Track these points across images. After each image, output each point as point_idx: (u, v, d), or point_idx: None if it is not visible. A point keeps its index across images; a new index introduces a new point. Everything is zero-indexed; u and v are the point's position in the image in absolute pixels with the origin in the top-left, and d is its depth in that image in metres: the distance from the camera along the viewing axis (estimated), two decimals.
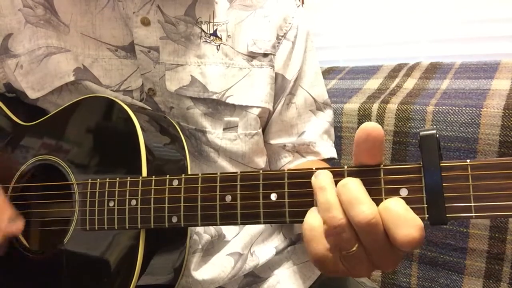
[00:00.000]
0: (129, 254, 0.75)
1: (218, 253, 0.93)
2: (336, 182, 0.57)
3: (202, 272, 0.89)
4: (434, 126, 1.25)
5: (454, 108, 1.23)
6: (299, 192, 0.61)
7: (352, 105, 1.40)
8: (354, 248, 0.56)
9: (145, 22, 0.89)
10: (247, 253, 0.94)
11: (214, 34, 0.94)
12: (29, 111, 0.95)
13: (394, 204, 0.54)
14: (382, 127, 1.31)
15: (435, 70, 1.52)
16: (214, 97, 0.91)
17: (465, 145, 1.22)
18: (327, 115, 1.07)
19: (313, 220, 0.58)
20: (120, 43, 0.90)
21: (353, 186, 0.55)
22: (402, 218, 0.53)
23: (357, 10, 1.98)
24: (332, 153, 1.06)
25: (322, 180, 0.58)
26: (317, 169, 0.60)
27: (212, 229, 0.89)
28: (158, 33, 0.90)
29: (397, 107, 1.31)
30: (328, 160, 1.06)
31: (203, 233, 0.88)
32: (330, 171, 0.59)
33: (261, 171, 0.64)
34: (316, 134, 1.04)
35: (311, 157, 1.04)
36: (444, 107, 1.25)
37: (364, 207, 0.54)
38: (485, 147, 1.19)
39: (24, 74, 0.90)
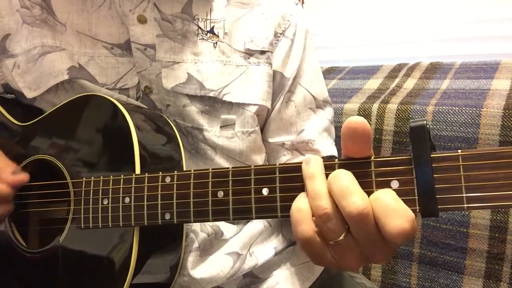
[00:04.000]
0: (124, 252, 0.74)
1: (216, 252, 0.92)
2: (327, 176, 0.57)
3: (200, 270, 0.88)
4: (434, 126, 1.25)
5: (454, 108, 1.23)
6: (290, 186, 0.61)
7: (352, 105, 1.40)
8: (341, 238, 0.56)
9: (142, 20, 0.89)
10: (246, 253, 0.94)
11: (211, 31, 0.94)
12: (27, 112, 0.95)
13: (384, 195, 0.54)
14: (382, 127, 1.31)
15: (435, 70, 1.51)
16: (211, 94, 0.91)
17: (465, 145, 1.21)
18: (327, 113, 1.06)
19: (301, 203, 0.58)
20: (116, 41, 0.90)
21: (344, 177, 0.55)
22: (392, 209, 0.53)
23: (357, 10, 1.98)
24: (332, 151, 1.05)
25: (312, 167, 0.58)
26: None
27: (208, 227, 0.89)
28: (154, 30, 0.90)
29: (397, 107, 1.31)
30: (328, 158, 1.05)
31: (199, 231, 0.88)
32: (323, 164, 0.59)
33: (253, 166, 0.64)
34: (315, 132, 1.03)
35: (310, 155, 1.03)
36: (444, 107, 1.24)
37: (355, 197, 0.53)
38: (485, 147, 1.18)
39: (21, 74, 0.90)
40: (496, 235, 1.19)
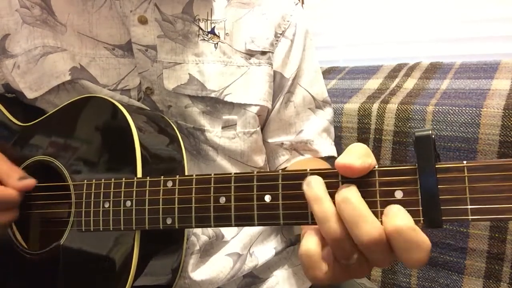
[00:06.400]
0: (125, 255, 0.74)
1: (217, 253, 0.92)
2: (331, 184, 0.57)
3: (200, 273, 0.88)
4: (434, 126, 1.25)
5: (454, 108, 1.23)
6: (293, 194, 0.60)
7: (352, 105, 1.39)
8: (354, 258, 0.56)
9: (142, 21, 0.89)
10: (246, 254, 0.94)
11: (212, 32, 0.93)
12: (28, 112, 0.95)
13: (404, 225, 0.52)
14: (382, 127, 1.31)
15: (435, 70, 1.51)
16: (213, 95, 0.91)
17: (465, 145, 1.21)
18: (327, 113, 1.06)
19: (310, 245, 0.57)
20: (117, 42, 0.90)
21: (355, 202, 0.54)
22: (414, 243, 0.51)
23: (357, 9, 1.98)
24: (331, 151, 1.05)
25: (315, 189, 0.56)
26: (310, 170, 0.59)
27: (209, 230, 0.89)
28: (155, 31, 0.90)
29: (397, 107, 1.31)
30: (328, 159, 1.05)
31: (200, 234, 0.88)
32: (324, 172, 0.58)
33: (255, 172, 0.63)
34: (314, 132, 1.03)
35: (309, 155, 1.04)
36: (444, 107, 1.24)
37: (368, 226, 0.52)
38: (485, 147, 1.18)
39: (21, 74, 0.90)
40: (496, 235, 1.19)
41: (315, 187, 0.57)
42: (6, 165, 0.84)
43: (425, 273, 1.30)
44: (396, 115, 1.30)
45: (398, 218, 0.52)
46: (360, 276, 0.60)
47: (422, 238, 0.52)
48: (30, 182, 0.83)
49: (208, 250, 0.91)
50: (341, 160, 0.55)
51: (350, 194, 0.54)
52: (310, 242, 0.57)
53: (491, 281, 1.22)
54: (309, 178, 0.58)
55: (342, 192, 0.55)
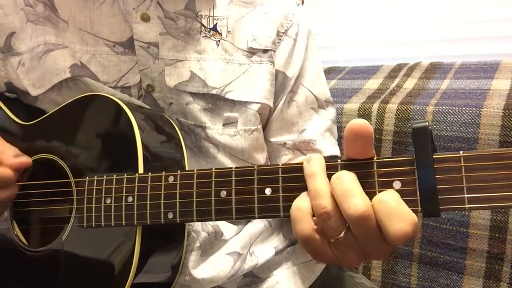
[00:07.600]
0: (126, 251, 0.75)
1: (217, 252, 0.92)
2: (330, 176, 0.57)
3: (201, 270, 0.89)
4: (434, 126, 1.25)
5: (454, 108, 1.23)
6: (293, 186, 0.61)
7: (352, 105, 1.40)
8: (341, 236, 0.57)
9: (145, 18, 0.89)
10: (246, 253, 0.94)
11: (214, 28, 0.94)
12: (29, 111, 0.95)
13: (387, 197, 0.54)
14: (382, 127, 1.31)
15: (435, 70, 1.51)
16: (214, 92, 0.91)
17: (465, 145, 1.21)
18: (329, 113, 1.07)
19: (301, 202, 0.59)
20: (118, 39, 0.90)
21: (346, 179, 0.56)
22: (394, 212, 0.53)
23: (357, 9, 1.98)
24: (334, 150, 1.06)
25: (313, 166, 0.58)
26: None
27: (209, 226, 0.89)
28: (157, 28, 0.90)
29: (397, 107, 1.31)
30: (330, 158, 1.05)
31: (201, 230, 0.88)
32: (325, 164, 0.59)
33: (256, 166, 0.64)
34: (317, 132, 1.03)
35: (311, 154, 1.04)
36: (444, 107, 1.25)
37: (356, 199, 0.54)
38: (485, 147, 1.19)
39: (26, 72, 0.91)
40: (496, 235, 1.20)
41: (313, 164, 0.59)
42: (1, 143, 0.85)
43: (425, 273, 1.30)
44: (396, 115, 1.31)
45: (383, 193, 0.55)
46: (351, 261, 0.60)
47: (406, 209, 0.54)
48: (25, 160, 0.84)
49: (208, 250, 0.91)
50: (356, 121, 0.56)
51: (344, 173, 0.57)
52: (301, 200, 0.59)
53: (491, 281, 1.22)
54: (310, 155, 0.60)
55: (337, 172, 0.57)
